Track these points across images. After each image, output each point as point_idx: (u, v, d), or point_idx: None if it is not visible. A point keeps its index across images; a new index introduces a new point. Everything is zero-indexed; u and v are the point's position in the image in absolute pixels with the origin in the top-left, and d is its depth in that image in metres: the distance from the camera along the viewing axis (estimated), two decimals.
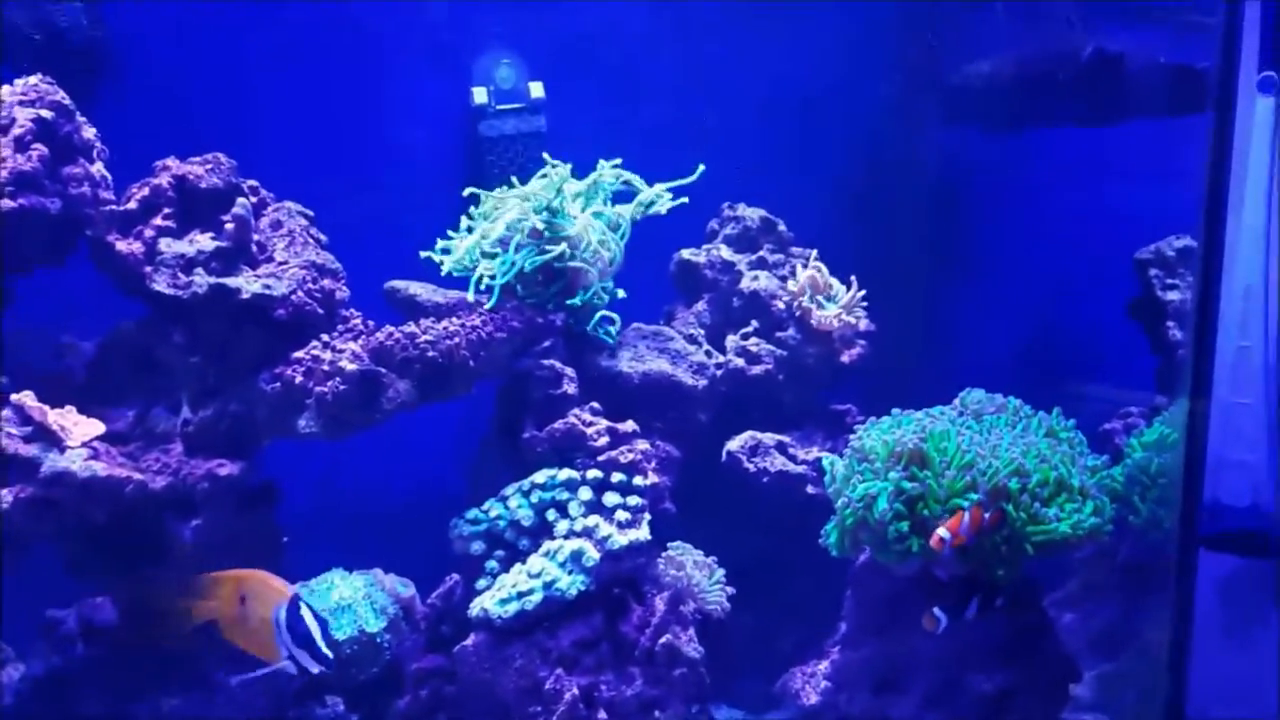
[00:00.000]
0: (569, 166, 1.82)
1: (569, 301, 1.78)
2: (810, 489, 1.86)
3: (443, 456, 1.91)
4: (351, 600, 1.72)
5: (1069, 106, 1.95)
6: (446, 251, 1.76)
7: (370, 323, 1.69)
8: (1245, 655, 2.17)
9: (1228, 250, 2.21)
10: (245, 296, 1.55)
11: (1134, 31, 2.43)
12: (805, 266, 2.01)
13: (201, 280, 1.55)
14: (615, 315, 1.86)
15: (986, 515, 1.52)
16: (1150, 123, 2.07)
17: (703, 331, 1.99)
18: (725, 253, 2.03)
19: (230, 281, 1.56)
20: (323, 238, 1.73)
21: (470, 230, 1.77)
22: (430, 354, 1.58)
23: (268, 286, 1.56)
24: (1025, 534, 1.60)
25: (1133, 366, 2.34)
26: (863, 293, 1.97)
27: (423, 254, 1.77)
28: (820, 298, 1.97)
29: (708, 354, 1.94)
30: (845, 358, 1.97)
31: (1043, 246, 2.31)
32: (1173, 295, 2.28)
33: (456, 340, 1.61)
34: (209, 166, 1.65)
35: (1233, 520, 2.70)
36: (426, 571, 1.81)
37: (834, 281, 1.99)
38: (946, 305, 2.35)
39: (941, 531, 1.47)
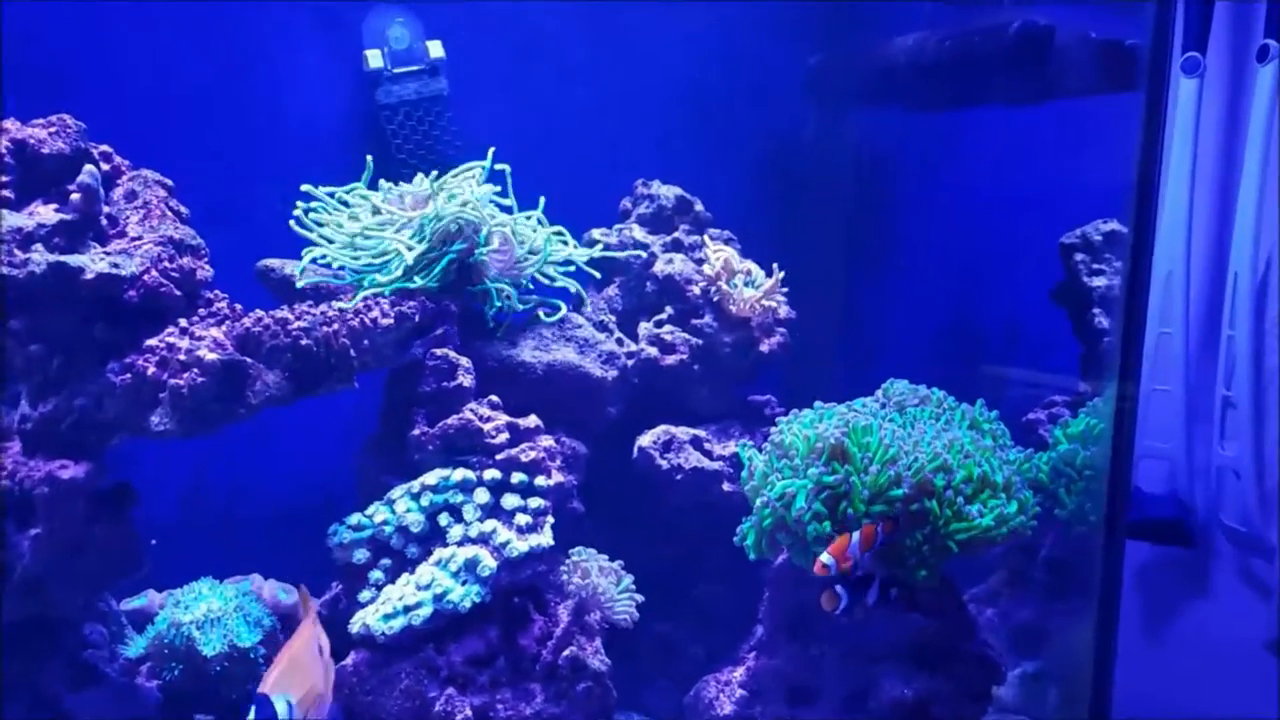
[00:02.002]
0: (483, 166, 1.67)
1: (469, 289, 1.64)
2: (727, 486, 1.75)
3: (325, 455, 1.74)
4: (221, 613, 1.56)
5: (995, 84, 1.86)
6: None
7: (237, 306, 1.51)
8: (1169, 648, 2.14)
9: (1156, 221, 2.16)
10: (89, 277, 1.36)
11: (1064, 7, 2.37)
12: (720, 245, 1.90)
13: (40, 259, 1.35)
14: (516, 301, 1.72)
15: (880, 528, 1.43)
16: (1079, 101, 2.00)
17: (613, 318, 1.86)
18: (638, 233, 1.90)
19: (73, 260, 1.37)
20: (184, 210, 1.54)
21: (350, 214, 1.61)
22: (304, 342, 1.42)
23: (115, 265, 1.38)
24: (949, 532, 1.52)
25: (1057, 353, 2.29)
26: (782, 275, 1.86)
27: (293, 223, 1.60)
28: (738, 281, 1.85)
29: (619, 342, 1.81)
30: (764, 347, 1.86)
31: (966, 230, 2.23)
32: (1098, 281, 2.23)
33: (335, 326, 1.45)
34: (53, 130, 1.45)
35: (1152, 509, 2.68)
36: (311, 578, 1.66)
37: (752, 266, 1.87)
38: (868, 290, 2.26)
39: (824, 557, 1.38)
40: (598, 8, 2.06)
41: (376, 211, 1.60)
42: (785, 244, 2.13)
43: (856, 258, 2.24)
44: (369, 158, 1.66)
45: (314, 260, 1.60)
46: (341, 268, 1.61)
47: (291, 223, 1.60)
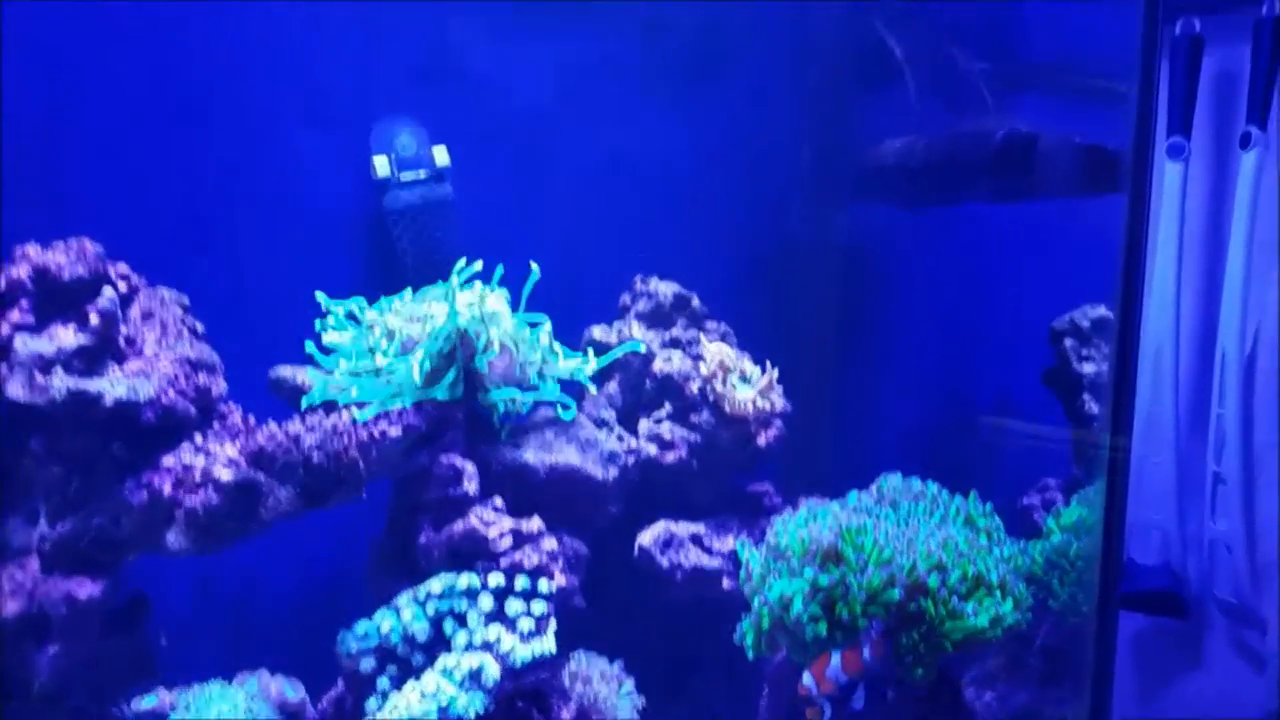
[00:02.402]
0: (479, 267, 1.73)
1: (473, 396, 1.69)
2: (726, 583, 1.79)
3: (332, 560, 1.79)
4: (231, 716, 1.59)
5: (981, 187, 1.92)
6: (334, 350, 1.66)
7: (250, 419, 1.56)
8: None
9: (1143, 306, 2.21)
10: (108, 404, 1.42)
11: (1048, 100, 2.44)
12: (714, 341, 1.96)
13: (60, 384, 1.41)
14: (523, 401, 1.77)
15: (866, 650, 1.46)
16: (1064, 200, 2.06)
17: (614, 414, 1.91)
18: (637, 330, 1.96)
19: (92, 386, 1.42)
20: (199, 327, 1.60)
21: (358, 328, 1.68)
22: (316, 459, 1.47)
23: (133, 390, 1.44)
24: (945, 631, 1.56)
25: (1050, 436, 2.33)
26: (776, 373, 1.92)
27: (310, 345, 1.66)
28: (734, 379, 1.90)
29: (620, 438, 1.86)
30: (761, 440, 1.90)
31: (958, 318, 2.29)
32: (1088, 367, 2.28)
33: (345, 441, 1.50)
34: (73, 254, 1.52)
35: (1146, 580, 2.70)
36: (318, 672, 1.69)
37: (747, 364, 1.93)
38: (862, 377, 2.31)
39: (805, 679, 1.42)
40: (599, 114, 2.14)
41: (389, 335, 1.65)
42: (780, 332, 2.19)
43: (850, 346, 2.30)
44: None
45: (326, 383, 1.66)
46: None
47: (309, 345, 1.66)
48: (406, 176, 2.03)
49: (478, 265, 1.72)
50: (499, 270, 1.75)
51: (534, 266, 1.73)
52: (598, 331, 1.98)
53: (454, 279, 1.69)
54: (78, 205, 1.79)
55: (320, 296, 1.71)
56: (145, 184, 1.86)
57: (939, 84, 2.10)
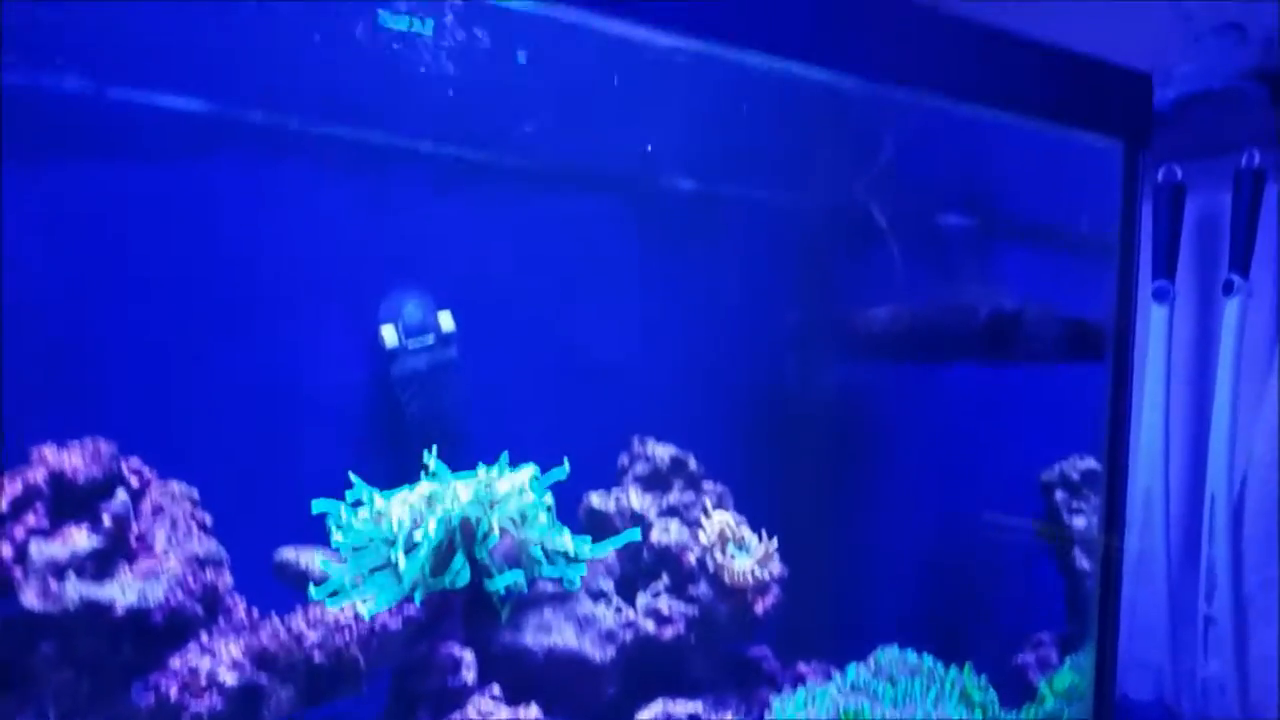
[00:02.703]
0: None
1: (474, 579, 1.73)
2: None
3: None
4: None
5: (967, 355, 1.98)
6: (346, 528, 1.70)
7: (254, 612, 1.60)
8: None
9: (1130, 457, 2.24)
10: (119, 613, 1.46)
11: (1033, 254, 2.51)
12: (713, 508, 1.99)
13: (73, 592, 1.45)
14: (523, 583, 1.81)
15: None
16: (1048, 366, 2.12)
17: (612, 583, 1.94)
18: (635, 499, 2.00)
19: (104, 594, 1.47)
20: (207, 520, 1.65)
21: (369, 512, 1.72)
22: (318, 660, 1.50)
23: (144, 595, 1.48)
24: None
25: (1042, 588, 2.35)
26: (775, 542, 1.95)
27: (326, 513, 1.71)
28: (732, 548, 1.94)
29: (618, 610, 1.89)
30: (759, 608, 1.93)
31: (949, 473, 2.33)
32: (1079, 521, 2.31)
33: (347, 638, 1.54)
34: (88, 455, 1.57)
35: (1139, 715, 2.70)
36: None
37: (746, 532, 1.96)
38: (857, 534, 2.35)
39: None
40: (598, 274, 2.21)
41: (399, 525, 1.69)
42: (775, 491, 2.23)
43: (844, 502, 2.34)
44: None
45: (329, 573, 1.69)
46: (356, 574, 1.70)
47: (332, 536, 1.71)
48: (413, 344, 2.10)
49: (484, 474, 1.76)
50: (504, 456, 1.80)
51: (565, 464, 1.78)
52: (595, 499, 2.02)
53: (453, 484, 1.73)
54: (83, 389, 1.84)
55: (355, 480, 1.74)
56: (153, 366, 1.92)
57: (923, 248, 2.17)
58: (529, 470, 1.81)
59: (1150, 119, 1.86)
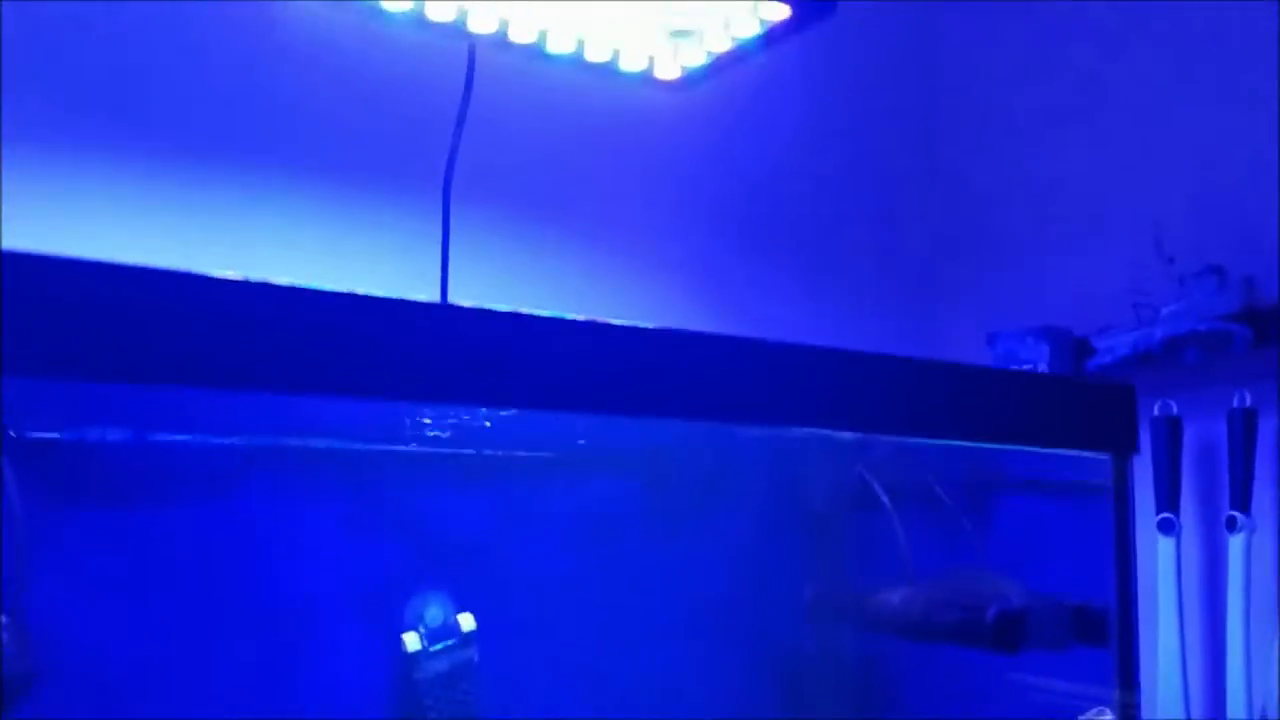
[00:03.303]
0: None
1: None
2: None
3: None
4: None
5: (973, 644, 2.03)
6: None
7: None
8: None
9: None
10: None
11: (1030, 500, 2.56)
12: None
13: None
14: None
15: None
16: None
17: None
18: None
19: None
20: None
21: None
22: None
23: None
24: None
25: None
26: None
27: None
28: None
29: None
30: None
31: None
32: None
33: None
34: None
35: None
36: None
37: None
38: None
39: None
40: (604, 553, 2.28)
41: None
42: None
43: None
44: None
45: None
46: None
47: None
48: (435, 648, 2.18)
49: None
50: None
51: None
52: None
53: None
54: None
55: None
56: (187, 700, 2.00)
57: (925, 524, 2.23)
58: None
59: (1135, 430, 1.92)
